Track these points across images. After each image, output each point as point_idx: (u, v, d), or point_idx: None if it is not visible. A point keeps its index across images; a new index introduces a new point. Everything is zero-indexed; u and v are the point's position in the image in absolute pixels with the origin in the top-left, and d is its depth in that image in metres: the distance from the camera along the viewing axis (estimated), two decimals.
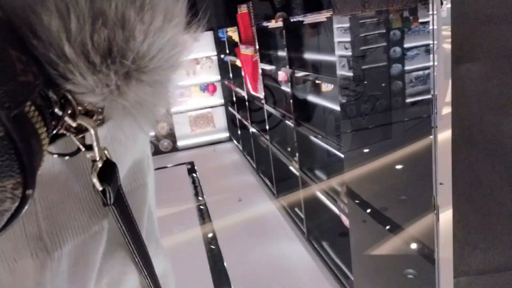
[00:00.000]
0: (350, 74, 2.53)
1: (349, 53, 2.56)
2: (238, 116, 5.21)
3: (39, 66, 0.28)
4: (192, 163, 5.32)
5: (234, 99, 5.36)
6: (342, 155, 2.49)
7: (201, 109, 6.19)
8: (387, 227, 2.24)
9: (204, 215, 3.86)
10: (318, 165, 2.99)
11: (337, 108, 2.57)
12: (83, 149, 0.34)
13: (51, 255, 0.35)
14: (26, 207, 0.26)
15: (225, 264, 2.95)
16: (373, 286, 2.25)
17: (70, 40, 0.28)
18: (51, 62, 0.28)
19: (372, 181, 2.41)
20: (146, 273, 0.45)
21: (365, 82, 2.54)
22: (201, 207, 4.05)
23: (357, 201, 2.39)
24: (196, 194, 4.40)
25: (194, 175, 4.99)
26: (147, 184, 0.47)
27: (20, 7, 0.27)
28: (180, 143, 6.15)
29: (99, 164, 0.35)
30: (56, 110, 0.30)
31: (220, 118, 6.27)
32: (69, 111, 0.31)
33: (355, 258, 2.24)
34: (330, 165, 2.88)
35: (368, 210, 2.34)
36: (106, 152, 0.36)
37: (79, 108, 0.31)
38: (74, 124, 0.32)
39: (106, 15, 0.28)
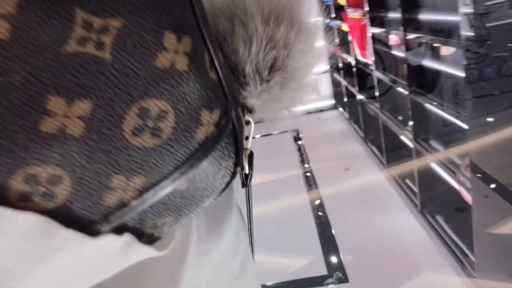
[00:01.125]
0: (471, 34, 2.30)
1: (470, 10, 2.32)
2: (344, 83, 5.09)
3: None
4: (297, 131, 5.40)
5: (340, 65, 5.22)
6: (462, 124, 2.32)
7: None
8: None
9: (310, 182, 3.94)
10: (434, 135, 2.82)
11: (458, 73, 2.37)
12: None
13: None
14: (234, 180, 0.33)
15: (333, 231, 3.00)
16: (496, 267, 2.11)
17: (250, 61, 0.35)
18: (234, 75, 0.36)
19: (497, 153, 2.22)
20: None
21: (489, 43, 2.28)
22: (307, 174, 4.12)
23: (478, 175, 2.23)
24: (302, 161, 4.48)
25: (300, 142, 5.06)
26: None
27: (215, 31, 0.35)
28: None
29: (248, 152, 0.40)
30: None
31: (324, 85, 6.18)
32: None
33: (477, 236, 2.12)
34: (447, 135, 2.70)
35: (492, 185, 2.17)
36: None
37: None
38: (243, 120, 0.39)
39: (275, 39, 0.35)
